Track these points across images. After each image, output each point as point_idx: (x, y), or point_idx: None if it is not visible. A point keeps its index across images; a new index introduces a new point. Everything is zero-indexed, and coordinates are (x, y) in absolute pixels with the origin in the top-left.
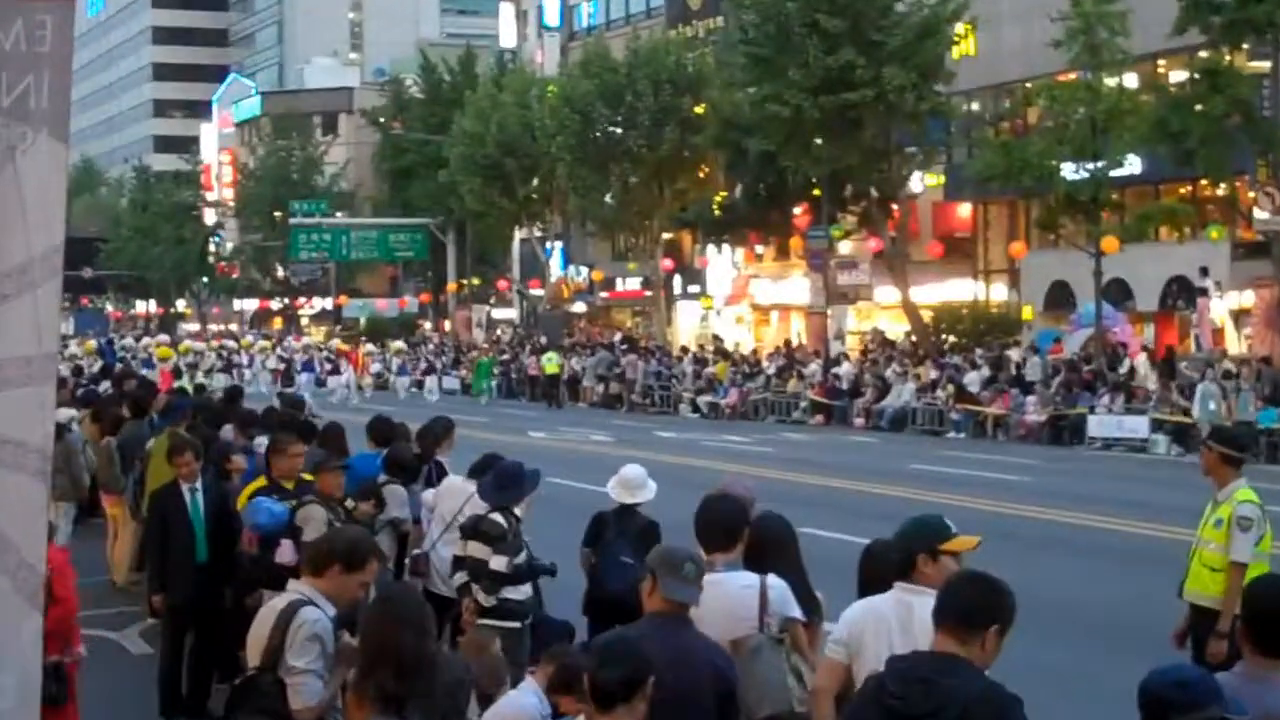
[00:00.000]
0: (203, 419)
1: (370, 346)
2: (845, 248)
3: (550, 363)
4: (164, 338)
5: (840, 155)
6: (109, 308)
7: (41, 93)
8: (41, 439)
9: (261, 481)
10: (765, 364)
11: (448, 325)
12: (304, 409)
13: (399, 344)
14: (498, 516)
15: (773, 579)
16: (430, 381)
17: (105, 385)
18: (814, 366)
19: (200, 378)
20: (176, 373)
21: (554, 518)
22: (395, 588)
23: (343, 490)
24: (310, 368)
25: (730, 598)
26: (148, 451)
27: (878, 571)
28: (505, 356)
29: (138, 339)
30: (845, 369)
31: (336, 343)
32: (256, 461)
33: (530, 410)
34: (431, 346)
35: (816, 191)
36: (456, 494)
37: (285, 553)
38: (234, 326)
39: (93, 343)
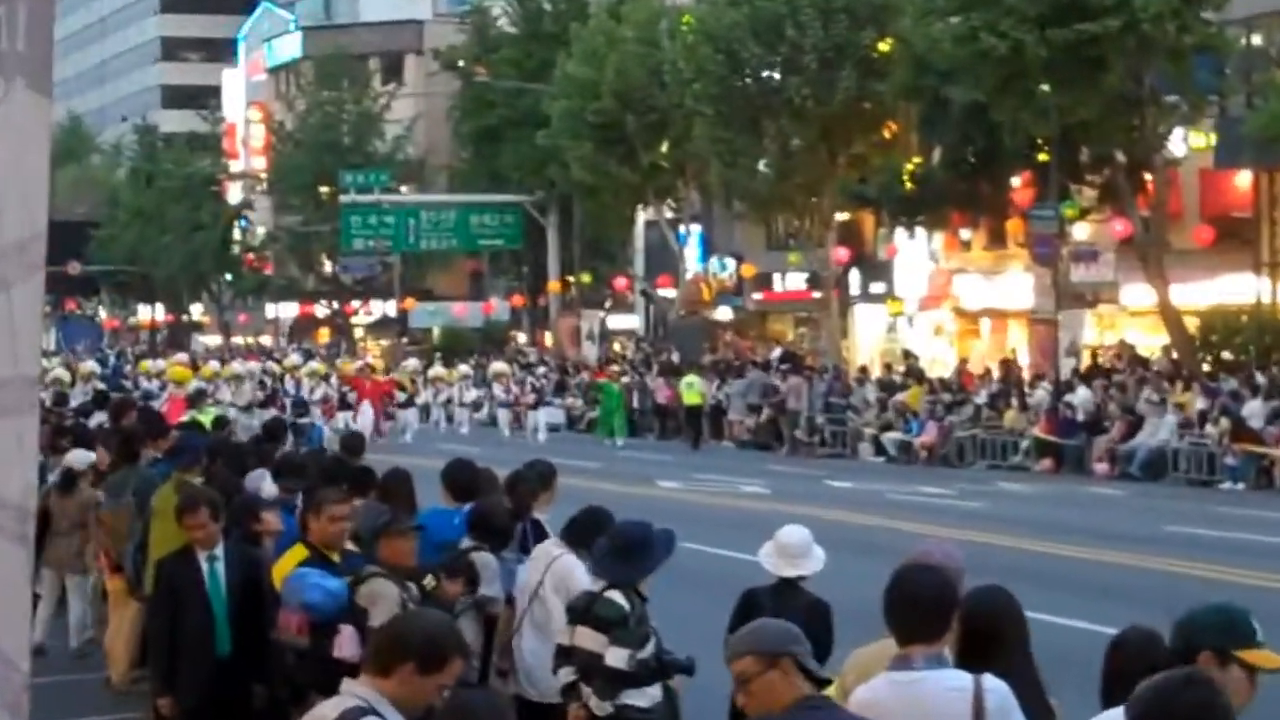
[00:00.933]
0: (224, 462)
1: (464, 368)
2: (1081, 232)
3: (691, 389)
4: (182, 356)
5: (1075, 106)
6: (102, 314)
7: (16, 30)
8: (20, 491)
9: (300, 552)
10: (974, 389)
11: (549, 338)
12: (361, 449)
13: (500, 365)
14: (616, 595)
15: (991, 680)
16: (538, 416)
17: (99, 418)
18: (1040, 393)
19: (222, 407)
20: (192, 400)
21: (689, 595)
22: (469, 696)
23: (414, 559)
24: (410, 402)
25: (934, 703)
26: (151, 508)
27: (1130, 671)
28: (625, 379)
29: (148, 355)
30: (1082, 396)
31: (341, 364)
32: (295, 521)
33: (659, 451)
34: (543, 370)
35: (1043, 156)
36: (538, 562)
37: (347, 644)
38: (266, 339)
39: (89, 365)
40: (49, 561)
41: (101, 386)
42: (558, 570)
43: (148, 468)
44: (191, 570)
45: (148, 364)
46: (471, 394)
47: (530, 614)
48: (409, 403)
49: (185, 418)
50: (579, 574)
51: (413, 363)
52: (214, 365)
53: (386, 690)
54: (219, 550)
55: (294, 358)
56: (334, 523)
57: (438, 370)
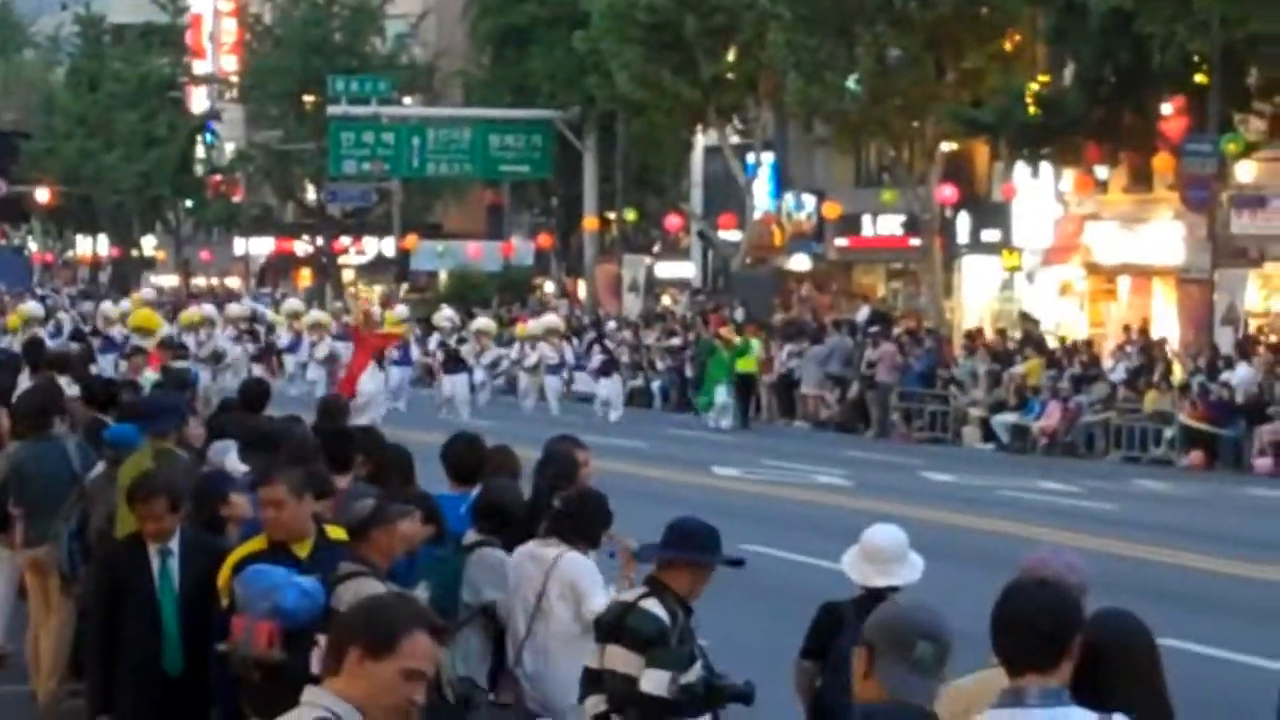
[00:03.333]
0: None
1: (484, 321)
2: (1246, 172)
3: (746, 354)
4: (148, 292)
5: (1242, 18)
6: (31, 246)
7: None
8: None
9: (258, 543)
10: (1108, 363)
11: (582, 287)
12: (343, 414)
13: (551, 319)
14: (654, 605)
15: None
16: (607, 386)
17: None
18: (1188, 370)
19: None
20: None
21: (749, 608)
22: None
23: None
24: (406, 358)
25: None
26: (95, 480)
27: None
28: (675, 341)
29: (86, 298)
30: (1242, 375)
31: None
32: None
33: (718, 431)
34: (612, 325)
35: (1200, 77)
36: (532, 565)
37: None
38: (233, 281)
39: (29, 306)
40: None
41: (42, 334)
42: (564, 572)
43: (82, 434)
44: (139, 565)
45: (107, 306)
46: (490, 355)
47: (533, 635)
48: (455, 365)
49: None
50: (592, 574)
51: (447, 313)
52: (205, 309)
53: (343, 691)
54: (173, 544)
55: (291, 303)
56: (279, 509)
57: (483, 323)
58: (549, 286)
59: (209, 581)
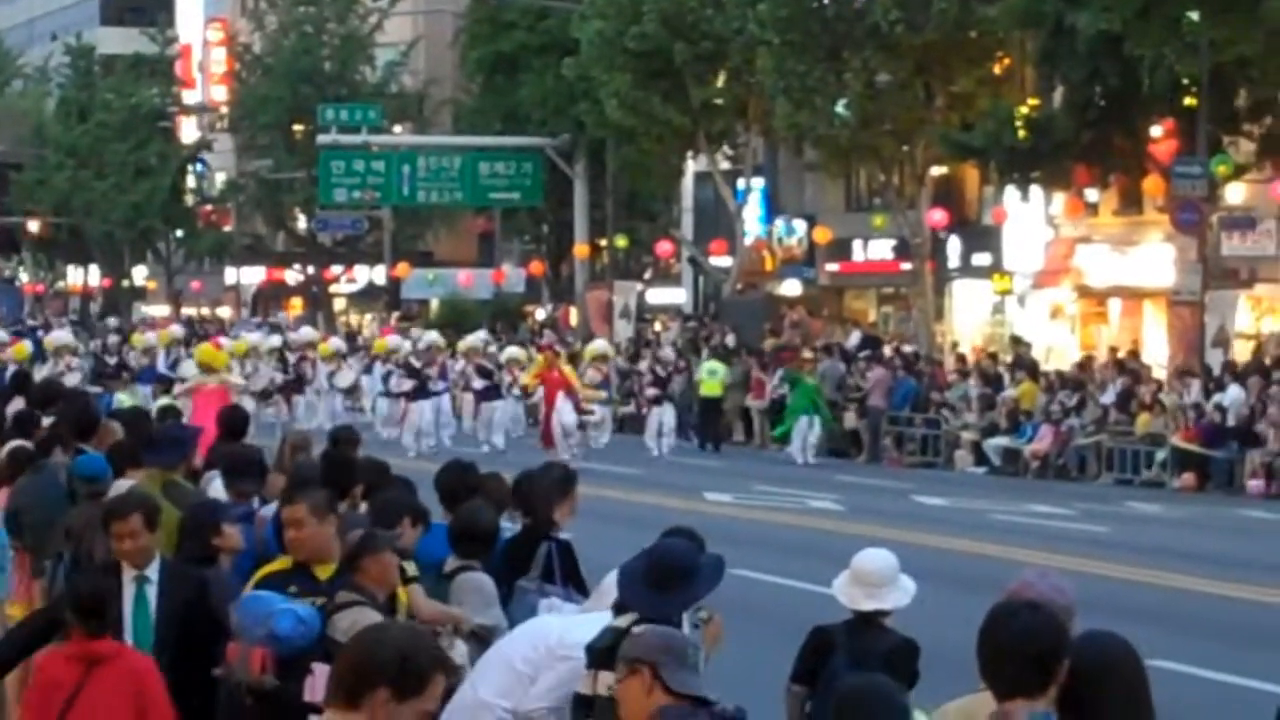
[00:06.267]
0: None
1: (514, 350)
2: (1235, 194)
3: (713, 378)
4: (176, 329)
5: (1230, 40)
6: (22, 277)
7: None
8: None
9: (283, 563)
10: (1099, 385)
11: (573, 314)
12: (354, 445)
13: (600, 345)
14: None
15: None
16: (663, 415)
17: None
18: (1182, 392)
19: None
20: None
21: (742, 632)
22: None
23: (396, 579)
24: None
25: None
26: (80, 514)
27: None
28: (669, 369)
29: (109, 328)
30: (1233, 396)
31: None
32: (254, 535)
33: (708, 456)
34: (670, 350)
35: (1189, 99)
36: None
37: (323, 685)
38: (224, 310)
39: (61, 335)
40: None
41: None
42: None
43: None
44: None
45: (139, 337)
46: (611, 380)
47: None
48: (492, 392)
49: (117, 401)
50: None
51: (481, 337)
52: (252, 339)
53: None
54: (152, 570)
55: (304, 332)
56: (288, 529)
57: (514, 352)
58: (540, 313)
59: (192, 610)
